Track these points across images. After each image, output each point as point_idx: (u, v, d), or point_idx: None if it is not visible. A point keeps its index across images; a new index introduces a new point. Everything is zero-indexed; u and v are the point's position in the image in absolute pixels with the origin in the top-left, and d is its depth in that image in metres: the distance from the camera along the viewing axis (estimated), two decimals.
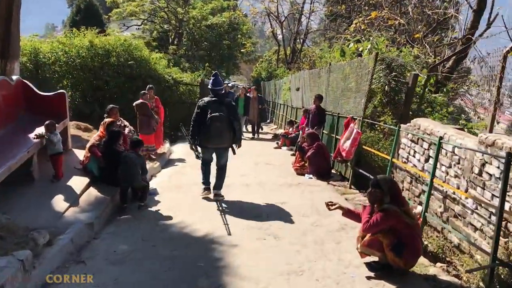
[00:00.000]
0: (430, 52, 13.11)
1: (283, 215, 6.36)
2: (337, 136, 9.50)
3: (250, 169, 9.80)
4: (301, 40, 30.06)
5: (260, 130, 16.73)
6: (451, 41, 13.96)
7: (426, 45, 13.36)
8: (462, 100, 15.30)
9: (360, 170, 7.94)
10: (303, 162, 9.43)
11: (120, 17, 27.73)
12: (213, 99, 6.99)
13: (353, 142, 7.81)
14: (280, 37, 34.16)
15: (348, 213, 4.82)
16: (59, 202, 6.22)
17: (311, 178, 8.87)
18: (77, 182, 6.96)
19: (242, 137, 12.04)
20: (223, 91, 7.36)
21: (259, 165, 10.36)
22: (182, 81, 17.31)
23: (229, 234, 5.56)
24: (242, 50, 33.16)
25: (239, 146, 7.47)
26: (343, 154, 8.16)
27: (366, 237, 4.39)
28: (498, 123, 15.40)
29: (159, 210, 6.70)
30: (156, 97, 11.92)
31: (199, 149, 7.39)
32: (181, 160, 11.09)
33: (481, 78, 15.44)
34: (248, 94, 16.81)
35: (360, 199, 7.32)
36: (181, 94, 17.35)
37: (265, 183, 8.39)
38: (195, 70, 23.98)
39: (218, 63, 31.73)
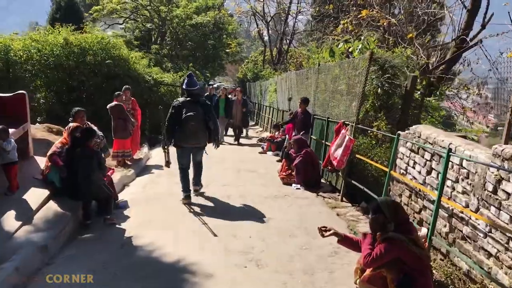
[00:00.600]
0: (423, 54, 12.51)
1: (267, 235, 5.61)
2: (326, 143, 8.81)
3: (232, 178, 9.05)
4: (288, 41, 29.41)
5: (242, 135, 15.69)
6: (443, 43, 13.38)
7: (418, 46, 12.77)
8: (451, 103, 14.77)
9: (353, 182, 7.23)
10: (290, 171, 8.71)
11: (100, 15, 26.72)
12: (188, 99, 7.04)
13: (345, 150, 7.10)
14: (266, 37, 33.51)
15: (345, 241, 4.09)
16: (9, 220, 5.40)
17: (299, 188, 8.15)
18: (35, 195, 6.14)
19: (224, 142, 11.34)
20: (197, 91, 7.25)
21: (242, 173, 9.61)
22: (163, 82, 16.49)
23: (204, 259, 4.78)
24: (227, 50, 32.36)
25: (217, 146, 7.55)
26: (334, 163, 7.44)
27: (367, 271, 3.67)
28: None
29: (127, 227, 5.92)
30: (132, 98, 11.12)
31: (169, 158, 7.50)
32: (158, 167, 10.28)
33: (471, 81, 14.97)
34: (230, 96, 16.12)
35: (353, 214, 6.63)
36: (162, 95, 16.51)
37: (248, 194, 7.64)
38: (179, 70, 23.14)
39: (203, 64, 30.92)
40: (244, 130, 16.39)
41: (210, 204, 6.99)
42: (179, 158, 7.28)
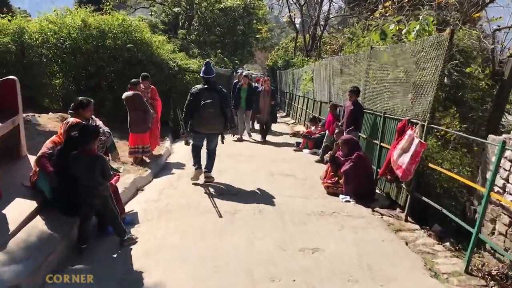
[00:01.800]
0: (488, 38, 10.68)
1: (318, 280, 4.11)
2: (382, 144, 7.23)
3: (265, 184, 7.58)
4: (321, 27, 27.57)
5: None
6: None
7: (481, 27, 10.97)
8: None
9: (425, 199, 5.62)
10: (336, 178, 7.16)
11: None
12: (205, 86, 7.22)
13: (413, 157, 5.52)
14: (299, 22, 31.73)
15: None
16: None
17: (348, 201, 6.62)
18: (18, 209, 4.84)
19: (251, 139, 11.73)
20: (214, 79, 7.38)
21: (276, 178, 8.13)
22: (189, 68, 15.09)
23: None
24: (257, 36, 30.69)
25: (233, 133, 8.75)
26: (399, 173, 5.86)
27: None
28: None
29: (132, 254, 4.56)
30: (152, 87, 9.76)
31: (190, 138, 7.65)
32: (180, 166, 8.94)
33: None
34: (257, 85, 14.57)
35: (425, 243, 5.08)
36: (187, 83, 15.14)
37: (286, 210, 6.14)
38: (206, 57, 21.72)
39: (232, 50, 29.36)
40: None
41: (239, 222, 5.55)
42: (194, 140, 7.61)
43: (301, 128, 14.75)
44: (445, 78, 7.45)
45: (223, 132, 7.47)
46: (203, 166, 7.62)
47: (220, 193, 6.90)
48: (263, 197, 6.69)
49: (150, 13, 30.41)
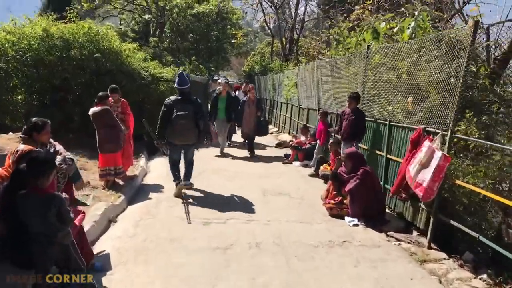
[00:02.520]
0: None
1: None
2: (389, 156, 6.41)
3: (257, 206, 6.67)
4: (297, 30, 26.84)
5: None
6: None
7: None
8: None
9: (454, 223, 4.76)
10: (340, 197, 6.28)
11: (92, 6, 24.21)
12: (179, 97, 7.26)
13: (436, 173, 4.70)
14: (273, 26, 31.04)
15: None
16: None
17: (357, 224, 5.76)
18: None
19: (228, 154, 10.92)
20: (188, 90, 7.37)
21: (269, 197, 7.23)
22: (163, 77, 14.09)
23: None
24: (233, 41, 29.78)
25: (209, 141, 7.97)
26: (419, 192, 5.01)
27: None
28: None
29: None
30: (122, 100, 8.77)
31: (166, 149, 7.61)
32: (158, 188, 7.95)
33: None
34: (237, 94, 13.67)
35: (460, 277, 4.23)
36: (161, 93, 14.13)
37: (286, 240, 5.22)
38: (181, 64, 20.74)
39: (206, 57, 28.43)
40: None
41: (234, 263, 4.60)
42: (170, 153, 7.54)
43: (286, 137, 13.88)
44: (452, 78, 6.70)
45: (197, 144, 7.58)
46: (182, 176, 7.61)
47: (207, 221, 5.96)
48: (258, 225, 5.77)
49: (120, 21, 29.23)
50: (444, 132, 4.87)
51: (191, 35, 28.18)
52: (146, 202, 7.08)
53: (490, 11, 10.94)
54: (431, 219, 5.09)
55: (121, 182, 8.18)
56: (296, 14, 24.49)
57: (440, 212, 5.03)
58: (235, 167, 9.56)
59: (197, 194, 7.43)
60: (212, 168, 9.30)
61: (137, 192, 7.88)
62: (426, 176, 4.81)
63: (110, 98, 8.52)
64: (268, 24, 30.06)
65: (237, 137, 13.61)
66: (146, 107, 13.97)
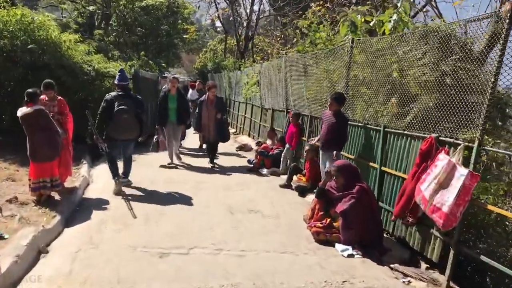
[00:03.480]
0: None
1: None
2: (384, 169, 5.47)
3: (226, 228, 5.55)
4: (252, 27, 25.80)
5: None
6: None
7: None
8: None
9: (485, 259, 3.83)
10: (328, 220, 5.26)
11: None
12: (120, 93, 7.32)
13: (461, 195, 3.77)
14: (229, 21, 29.89)
15: None
16: None
17: (352, 254, 4.76)
18: None
19: (180, 163, 9.58)
20: (127, 85, 7.56)
21: (239, 216, 6.11)
22: (108, 73, 12.61)
23: None
24: (185, 36, 28.28)
25: (143, 139, 8.09)
26: (437, 217, 4.03)
27: None
28: None
29: None
30: (59, 98, 7.37)
31: (104, 145, 7.38)
32: (102, 204, 6.67)
33: None
34: (191, 93, 12.50)
35: None
36: (106, 91, 12.65)
37: (270, 282, 4.13)
38: (128, 59, 19.17)
39: (156, 52, 26.80)
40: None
41: None
42: (110, 149, 7.43)
43: (247, 140, 12.80)
44: (447, 77, 5.86)
45: (137, 139, 7.64)
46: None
47: (165, 251, 4.77)
48: (230, 257, 4.64)
49: (61, 12, 27.03)
50: (467, 144, 3.97)
51: (139, 29, 26.47)
52: (87, 223, 5.79)
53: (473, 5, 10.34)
54: (451, 251, 4.17)
55: (57, 197, 6.83)
56: (252, 10, 23.44)
57: (462, 243, 4.12)
58: (192, 177, 8.40)
59: (150, 211, 6.21)
60: (165, 178, 8.09)
61: (77, 209, 6.55)
62: (446, 198, 3.90)
63: (43, 96, 7.14)
64: (221, 20, 28.90)
65: (189, 143, 12.48)
66: (90, 106, 12.47)
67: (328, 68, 7.13)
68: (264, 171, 8.86)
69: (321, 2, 16.75)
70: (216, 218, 5.94)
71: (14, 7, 11.08)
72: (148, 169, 8.82)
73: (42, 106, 6.77)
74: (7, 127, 10.24)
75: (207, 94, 9.53)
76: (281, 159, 8.61)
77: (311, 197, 6.98)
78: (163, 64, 25.30)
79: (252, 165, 9.35)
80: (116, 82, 7.53)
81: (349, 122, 6.40)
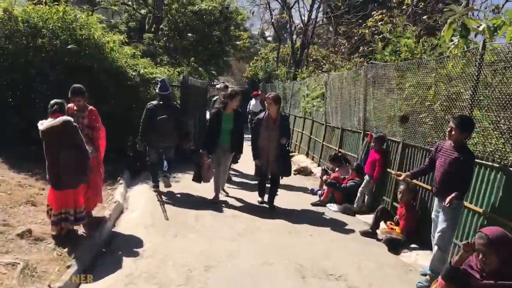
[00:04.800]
0: None
1: None
2: None
3: None
4: (309, 34, 24.13)
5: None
6: None
7: None
8: None
9: None
10: None
11: None
12: (160, 102, 7.58)
13: None
14: (272, 33, 28.43)
15: None
16: None
17: None
18: None
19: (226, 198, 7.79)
20: (168, 95, 7.73)
21: (314, 285, 4.36)
22: (154, 79, 11.34)
23: None
24: (237, 43, 27.01)
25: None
26: None
27: None
28: None
29: None
30: (91, 108, 5.98)
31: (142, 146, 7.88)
32: (136, 245, 5.22)
33: None
34: (253, 105, 11.06)
35: None
36: (152, 99, 11.37)
37: None
38: (177, 65, 17.99)
39: (206, 59, 25.64)
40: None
41: None
42: (150, 154, 7.81)
43: (304, 161, 11.11)
44: None
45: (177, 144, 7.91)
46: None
47: None
48: None
49: (112, 15, 26.40)
50: None
51: (190, 34, 25.44)
52: (110, 280, 4.29)
53: None
54: None
55: (81, 231, 5.45)
56: (310, 16, 21.82)
57: None
58: (246, 214, 6.64)
59: (192, 263, 4.67)
60: (210, 218, 6.48)
61: (101, 251, 5.11)
62: None
63: (71, 104, 5.82)
64: (275, 27, 27.48)
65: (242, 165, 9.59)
66: (133, 115, 11.22)
67: (439, 81, 5.35)
68: (334, 207, 7.09)
69: (384, 10, 15.11)
70: (281, 284, 4.30)
71: (57, 3, 9.96)
72: (191, 202, 7.32)
73: (68, 117, 5.44)
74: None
75: (267, 111, 7.08)
76: (358, 194, 6.86)
77: (407, 255, 5.21)
78: (213, 72, 24.07)
79: (317, 196, 7.64)
80: (157, 91, 7.79)
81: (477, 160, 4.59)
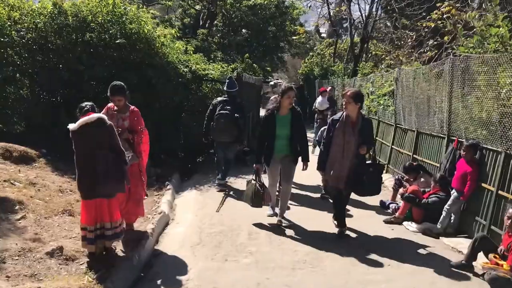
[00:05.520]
0: None
1: None
2: None
3: None
4: (369, 28, 22.66)
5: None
6: None
7: None
8: None
9: None
10: None
11: None
12: (225, 98, 7.84)
13: None
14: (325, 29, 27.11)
15: None
16: None
17: None
18: None
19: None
20: (235, 93, 7.93)
21: None
22: (207, 76, 10.62)
23: None
24: (293, 38, 25.97)
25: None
26: None
27: None
28: None
29: None
30: (132, 108, 5.24)
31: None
32: (178, 270, 4.45)
33: None
34: (322, 101, 10.16)
35: None
36: (204, 97, 10.67)
37: None
38: (231, 62, 17.28)
39: (260, 55, 24.83)
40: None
41: None
42: (214, 150, 8.23)
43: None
44: None
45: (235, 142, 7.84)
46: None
47: None
48: None
49: (166, 10, 26.13)
50: None
51: (244, 30, 24.74)
52: None
53: None
54: None
55: (120, 248, 4.76)
56: (372, 8, 20.37)
57: None
58: (310, 239, 5.60)
59: None
60: (268, 234, 5.59)
61: (140, 277, 4.37)
62: None
63: (111, 104, 5.13)
64: (333, 22, 26.17)
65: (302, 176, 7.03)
66: (184, 114, 10.59)
67: None
68: (413, 226, 5.93)
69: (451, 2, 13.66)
70: None
71: None
72: (241, 215, 6.32)
73: (105, 116, 4.76)
74: None
75: (344, 111, 5.49)
76: (443, 212, 5.69)
77: None
78: (268, 68, 23.24)
79: (390, 212, 6.53)
80: (225, 88, 8.04)
81: None
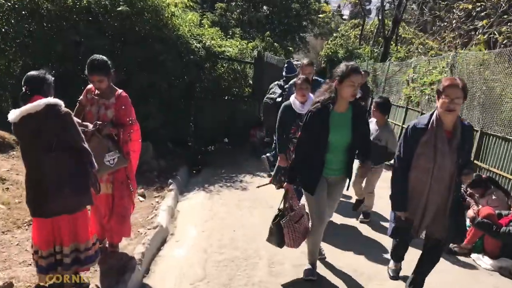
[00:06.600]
0: None
1: None
2: None
3: None
4: (401, 9, 20.86)
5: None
6: None
7: None
8: None
9: None
10: None
11: None
12: (279, 83, 7.31)
13: None
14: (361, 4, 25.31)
15: None
16: None
17: None
18: None
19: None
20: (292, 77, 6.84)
21: None
22: (223, 53, 9.20)
23: None
24: (319, 16, 24.25)
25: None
26: None
27: None
28: None
29: None
30: (122, 92, 3.83)
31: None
32: None
33: None
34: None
35: None
36: (218, 77, 9.27)
37: None
38: (251, 39, 15.75)
39: (282, 35, 23.18)
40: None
41: None
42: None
43: None
44: None
45: None
46: None
47: None
48: None
49: None
50: None
51: (266, 6, 23.05)
52: None
53: None
54: None
55: (94, 284, 3.48)
56: None
57: None
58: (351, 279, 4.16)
59: None
60: (295, 267, 4.14)
61: None
62: None
63: (90, 86, 3.77)
64: (360, 0, 24.40)
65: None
66: (196, 97, 9.21)
67: None
68: (486, 262, 4.47)
69: None
70: None
71: None
72: (259, 232, 4.71)
73: (86, 103, 3.43)
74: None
75: (436, 112, 3.25)
76: None
77: None
78: (290, 48, 21.61)
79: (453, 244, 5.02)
80: (284, 74, 7.43)
81: None
